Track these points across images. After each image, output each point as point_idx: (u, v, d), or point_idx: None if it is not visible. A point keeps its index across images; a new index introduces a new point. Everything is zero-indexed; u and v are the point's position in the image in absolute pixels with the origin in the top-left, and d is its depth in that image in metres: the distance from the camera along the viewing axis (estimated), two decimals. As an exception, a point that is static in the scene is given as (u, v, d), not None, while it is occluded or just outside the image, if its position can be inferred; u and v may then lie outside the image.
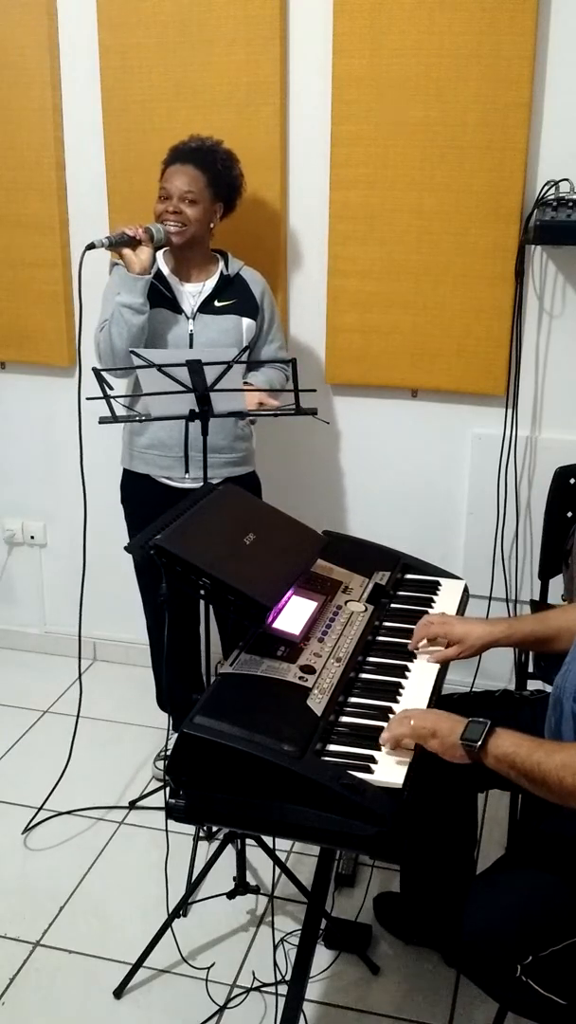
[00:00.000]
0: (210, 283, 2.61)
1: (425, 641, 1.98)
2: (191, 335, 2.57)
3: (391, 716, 1.74)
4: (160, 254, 2.61)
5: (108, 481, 2.80)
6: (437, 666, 1.94)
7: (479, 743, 1.58)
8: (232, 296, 2.61)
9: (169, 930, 2.27)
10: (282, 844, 2.59)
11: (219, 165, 2.53)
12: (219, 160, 2.54)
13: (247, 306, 2.62)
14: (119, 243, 2.43)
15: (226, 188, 2.57)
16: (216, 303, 2.60)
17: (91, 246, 2.40)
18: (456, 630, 1.95)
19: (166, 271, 2.61)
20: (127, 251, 2.46)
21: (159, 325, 2.56)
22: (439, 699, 1.88)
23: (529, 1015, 1.75)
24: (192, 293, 2.60)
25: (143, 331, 2.50)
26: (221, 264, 2.64)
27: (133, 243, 2.45)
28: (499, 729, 1.61)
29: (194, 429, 2.55)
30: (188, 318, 2.58)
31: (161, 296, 2.57)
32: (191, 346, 2.56)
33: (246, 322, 2.61)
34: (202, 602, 2.50)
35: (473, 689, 2.94)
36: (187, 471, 2.63)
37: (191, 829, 2.59)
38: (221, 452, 2.62)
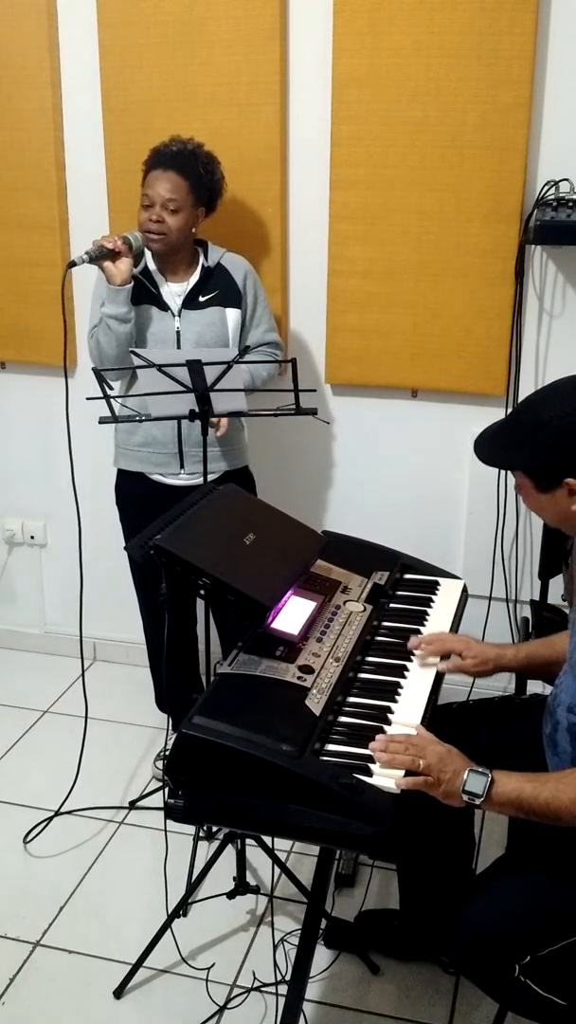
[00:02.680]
0: (193, 278, 2.61)
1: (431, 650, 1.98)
2: (178, 332, 2.57)
3: (390, 718, 1.74)
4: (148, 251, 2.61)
5: (107, 480, 2.80)
6: (436, 666, 1.94)
7: (482, 797, 1.57)
8: (215, 288, 2.61)
9: (169, 930, 2.27)
10: (282, 844, 2.59)
11: (201, 169, 2.52)
12: (201, 164, 2.52)
13: (230, 296, 2.61)
14: (99, 256, 2.44)
15: (207, 192, 2.56)
16: (200, 298, 2.60)
17: (72, 264, 2.41)
18: (472, 649, 1.98)
19: (153, 268, 2.60)
20: (107, 264, 2.46)
21: (146, 323, 2.57)
22: (437, 709, 1.87)
23: (529, 1015, 1.75)
24: (177, 292, 2.60)
25: (131, 336, 2.52)
26: (201, 257, 2.63)
27: (113, 255, 2.45)
28: (498, 776, 1.59)
29: (188, 425, 2.56)
30: (174, 315, 2.58)
31: (148, 293, 2.57)
32: (179, 343, 2.56)
33: (231, 312, 2.61)
34: (201, 602, 2.50)
35: (473, 689, 2.93)
36: (182, 467, 2.64)
37: (191, 829, 2.60)
38: (213, 446, 2.62)
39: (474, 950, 1.67)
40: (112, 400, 2.36)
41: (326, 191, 2.89)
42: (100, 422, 2.37)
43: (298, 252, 3.01)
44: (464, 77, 2.69)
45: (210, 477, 2.55)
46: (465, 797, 1.57)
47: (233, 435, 2.68)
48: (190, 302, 2.59)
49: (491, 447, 1.73)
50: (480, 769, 1.59)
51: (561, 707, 1.77)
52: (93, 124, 3.03)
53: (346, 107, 2.79)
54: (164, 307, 2.59)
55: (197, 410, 2.37)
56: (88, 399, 2.36)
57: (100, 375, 2.35)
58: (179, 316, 2.58)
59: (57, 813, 2.77)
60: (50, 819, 2.75)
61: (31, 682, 3.45)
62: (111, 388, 2.43)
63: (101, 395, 2.34)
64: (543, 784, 1.59)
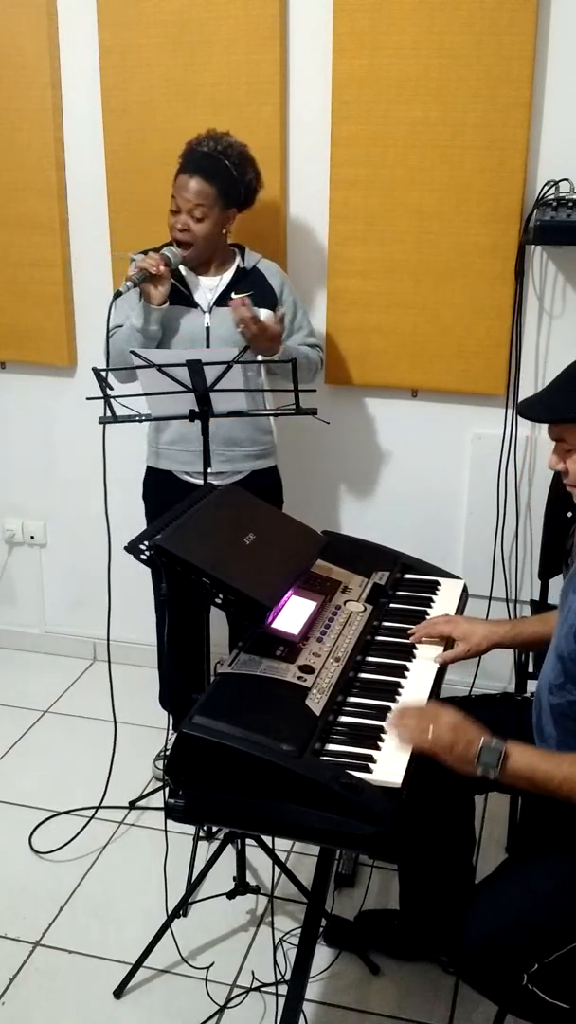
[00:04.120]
0: (227, 276, 2.60)
1: (426, 638, 1.99)
2: (208, 329, 2.56)
3: (399, 700, 1.74)
4: None
5: (109, 480, 2.79)
6: (436, 665, 1.94)
7: (497, 769, 1.58)
8: (248, 287, 2.59)
9: (169, 930, 2.27)
10: (282, 844, 2.59)
11: (232, 172, 2.48)
12: (232, 166, 2.49)
13: (264, 297, 2.60)
14: (142, 281, 2.43)
15: (237, 194, 2.52)
16: (233, 295, 2.58)
17: (119, 293, 2.38)
18: (461, 628, 2.00)
19: (183, 269, 2.59)
20: (148, 286, 2.45)
21: (175, 322, 2.55)
22: (437, 702, 1.88)
23: (533, 1020, 1.74)
24: (208, 287, 2.59)
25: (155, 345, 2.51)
26: (238, 258, 2.63)
27: (154, 278, 2.44)
28: (512, 748, 1.60)
29: (214, 423, 2.54)
30: (204, 312, 2.58)
31: (177, 293, 2.56)
32: (208, 341, 2.55)
33: (263, 313, 2.58)
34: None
35: (474, 688, 2.93)
36: (208, 465, 2.62)
37: (191, 829, 2.59)
38: (242, 445, 2.61)
39: (479, 959, 1.66)
40: (112, 400, 2.36)
41: (326, 191, 2.89)
42: (100, 422, 2.37)
43: (298, 252, 3.01)
44: (464, 77, 2.69)
45: (237, 476, 2.56)
46: (480, 769, 1.58)
47: (261, 436, 2.67)
48: (222, 299, 2.57)
49: (547, 403, 1.70)
50: (494, 742, 1.60)
51: (543, 690, 1.78)
52: (93, 124, 3.03)
53: (346, 107, 2.79)
54: (194, 304, 2.57)
55: (197, 410, 2.37)
56: (88, 399, 2.36)
57: (100, 375, 2.35)
58: (209, 313, 2.57)
59: (57, 813, 2.77)
60: (50, 819, 2.75)
61: (31, 682, 3.45)
62: (111, 388, 2.42)
63: (101, 395, 2.34)
64: (558, 765, 1.59)
